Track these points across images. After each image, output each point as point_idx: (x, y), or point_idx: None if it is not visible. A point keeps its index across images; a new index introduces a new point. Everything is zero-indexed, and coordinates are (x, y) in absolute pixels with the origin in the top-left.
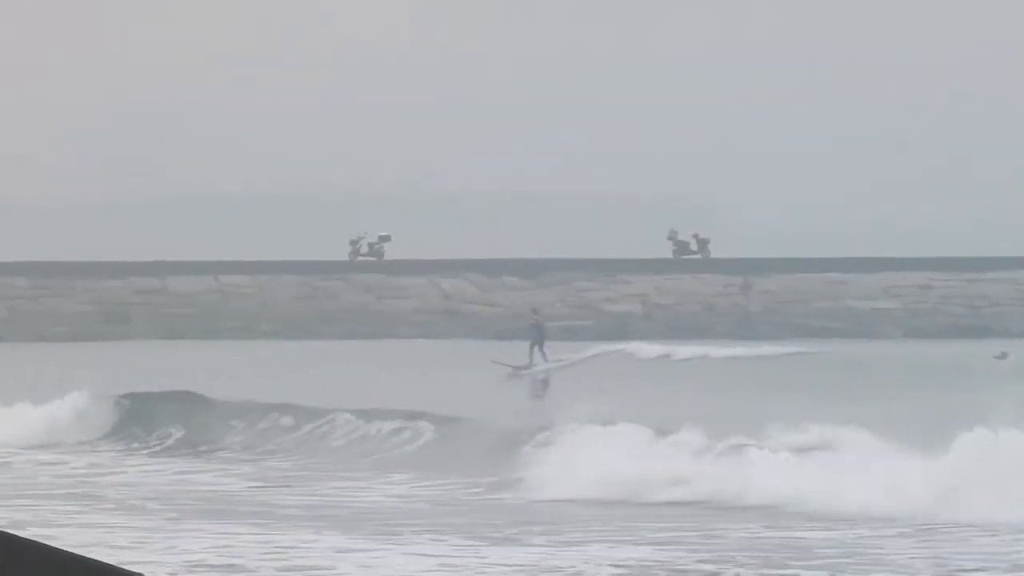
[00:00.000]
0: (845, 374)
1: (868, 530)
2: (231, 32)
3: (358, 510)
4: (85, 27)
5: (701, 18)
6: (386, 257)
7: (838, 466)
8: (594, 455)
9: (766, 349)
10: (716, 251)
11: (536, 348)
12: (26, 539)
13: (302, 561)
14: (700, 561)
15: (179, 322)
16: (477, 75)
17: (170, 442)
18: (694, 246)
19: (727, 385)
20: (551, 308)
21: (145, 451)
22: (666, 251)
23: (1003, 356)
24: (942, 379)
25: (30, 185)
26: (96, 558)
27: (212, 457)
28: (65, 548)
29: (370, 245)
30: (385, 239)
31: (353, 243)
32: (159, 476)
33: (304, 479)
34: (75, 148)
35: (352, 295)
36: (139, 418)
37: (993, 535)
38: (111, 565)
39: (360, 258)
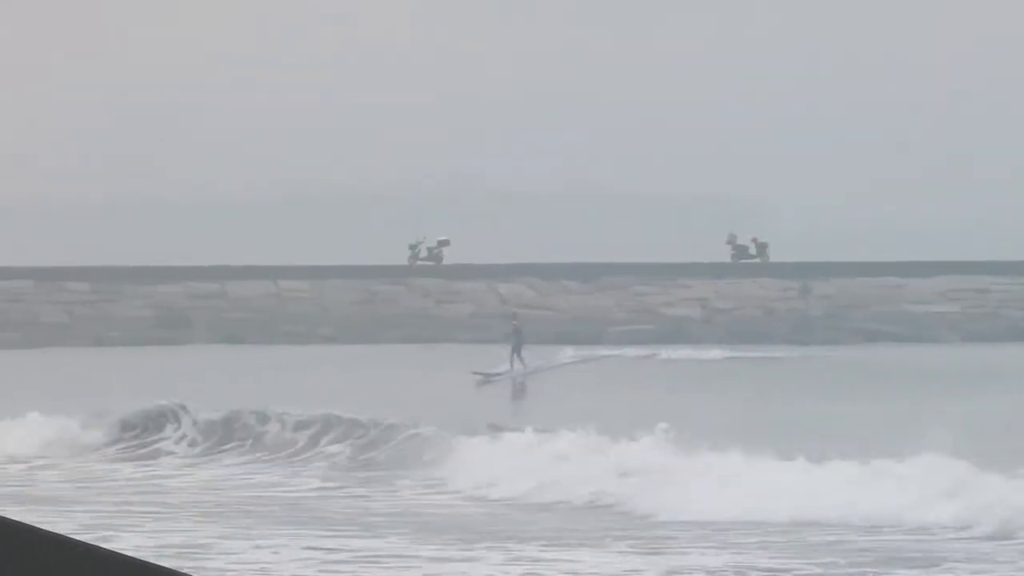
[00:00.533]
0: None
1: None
2: (231, 32)
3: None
4: (85, 27)
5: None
6: (445, 262)
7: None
8: (612, 462)
9: (770, 351)
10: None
11: (515, 353)
12: (80, 541)
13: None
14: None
15: (238, 327)
16: (477, 75)
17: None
18: (753, 250)
19: (726, 387)
20: (610, 312)
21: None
22: (724, 255)
23: None
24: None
25: (59, 186)
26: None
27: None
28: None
29: (429, 249)
30: (444, 244)
31: (412, 248)
32: (229, 481)
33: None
34: (83, 148)
35: (411, 299)
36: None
37: None
38: (167, 568)
39: (419, 262)
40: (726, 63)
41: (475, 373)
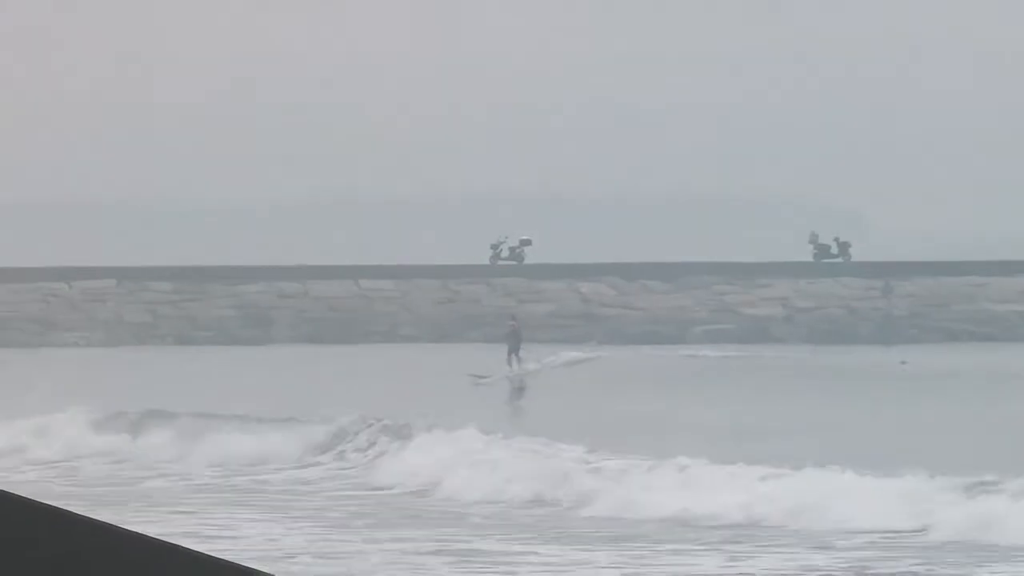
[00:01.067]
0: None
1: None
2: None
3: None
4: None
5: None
6: (526, 261)
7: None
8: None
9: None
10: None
11: (513, 354)
12: (156, 539)
13: None
14: None
15: (320, 326)
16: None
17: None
18: (835, 249)
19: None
20: (690, 312)
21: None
22: (805, 254)
23: None
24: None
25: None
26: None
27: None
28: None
29: (511, 249)
30: (526, 243)
31: (494, 247)
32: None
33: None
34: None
35: (492, 299)
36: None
37: None
38: (239, 565)
39: (501, 262)
40: (797, 65)
41: (471, 375)
